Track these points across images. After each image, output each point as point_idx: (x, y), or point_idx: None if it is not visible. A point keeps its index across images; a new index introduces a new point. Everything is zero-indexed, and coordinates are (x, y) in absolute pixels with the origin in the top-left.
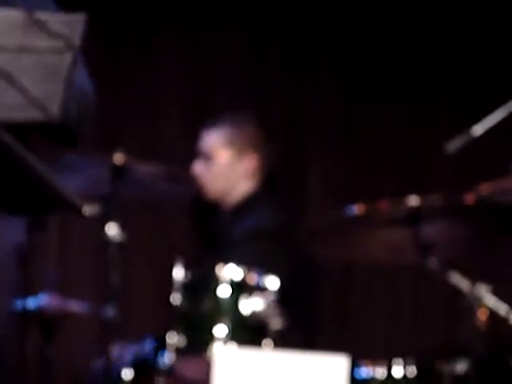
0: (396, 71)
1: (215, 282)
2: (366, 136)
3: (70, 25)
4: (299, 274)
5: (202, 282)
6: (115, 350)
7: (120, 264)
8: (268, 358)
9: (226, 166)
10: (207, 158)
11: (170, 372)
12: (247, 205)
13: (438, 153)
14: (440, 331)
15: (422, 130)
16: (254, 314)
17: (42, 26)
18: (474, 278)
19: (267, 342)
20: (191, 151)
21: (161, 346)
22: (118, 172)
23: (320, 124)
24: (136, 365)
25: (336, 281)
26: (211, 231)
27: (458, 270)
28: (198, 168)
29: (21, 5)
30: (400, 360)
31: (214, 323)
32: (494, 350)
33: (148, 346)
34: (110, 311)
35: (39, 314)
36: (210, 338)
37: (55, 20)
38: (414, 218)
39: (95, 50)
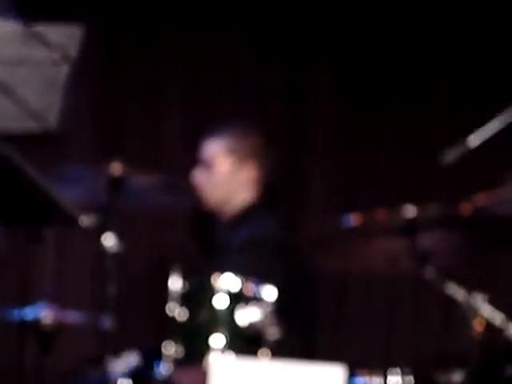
0: (396, 82)
1: (212, 292)
2: (364, 146)
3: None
4: (297, 283)
5: (199, 292)
6: (112, 361)
7: (117, 275)
8: (265, 368)
9: (226, 175)
10: (207, 166)
11: (167, 382)
12: (246, 214)
13: (435, 163)
14: (437, 341)
15: (418, 141)
16: (250, 324)
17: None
18: (471, 287)
19: (264, 352)
20: (191, 160)
21: (158, 356)
22: (116, 182)
23: (320, 134)
24: (133, 375)
25: (333, 290)
26: (210, 240)
27: (455, 279)
28: (198, 176)
29: None
30: (397, 370)
31: (211, 333)
32: (490, 360)
33: (145, 356)
34: (107, 322)
35: (36, 324)
36: (207, 348)
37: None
38: (411, 227)
39: (95, 58)
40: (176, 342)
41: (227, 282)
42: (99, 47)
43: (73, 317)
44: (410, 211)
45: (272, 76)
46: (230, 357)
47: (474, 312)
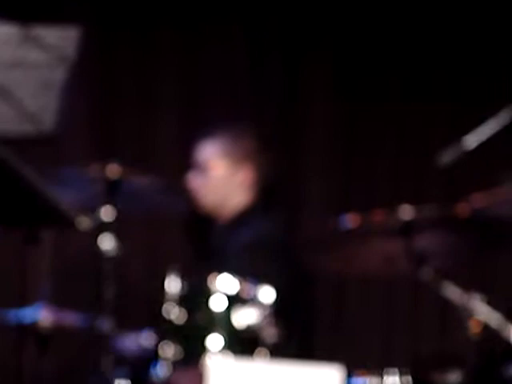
0: (393, 83)
1: (210, 293)
2: (361, 147)
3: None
4: (295, 285)
5: (197, 294)
6: (110, 363)
7: (114, 276)
8: (263, 369)
9: (221, 178)
10: (203, 169)
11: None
12: (243, 217)
13: (432, 164)
14: (434, 341)
15: (415, 142)
16: (248, 326)
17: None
18: (468, 288)
19: (262, 353)
20: (187, 162)
21: (155, 357)
22: (112, 184)
23: (317, 135)
24: (131, 377)
25: (331, 291)
26: (207, 243)
27: (452, 280)
28: (194, 180)
29: None
30: (394, 370)
31: (209, 335)
32: (487, 361)
33: (142, 357)
34: (105, 324)
35: (34, 326)
36: (204, 350)
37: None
38: (408, 228)
39: (91, 60)
40: (174, 344)
41: (224, 284)
42: (95, 49)
43: (70, 319)
44: (407, 212)
45: (268, 78)
46: (228, 358)
47: (471, 313)
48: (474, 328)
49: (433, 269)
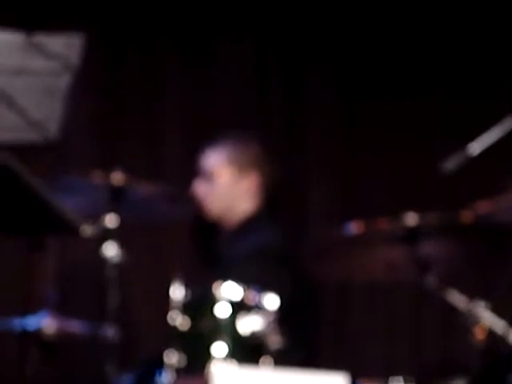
0: (397, 91)
1: (214, 301)
2: (365, 154)
3: (68, 46)
4: (299, 292)
5: (201, 301)
6: (114, 371)
7: (119, 284)
8: (267, 377)
9: (226, 186)
10: (208, 177)
11: None
12: (248, 224)
13: (436, 171)
14: (438, 349)
15: (419, 149)
16: (252, 333)
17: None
18: (472, 295)
19: (266, 361)
20: (193, 170)
21: (160, 365)
22: (117, 192)
23: (321, 143)
24: None
25: (334, 299)
26: (212, 250)
27: (456, 287)
28: (199, 187)
29: None
30: (399, 378)
31: (213, 342)
32: (491, 368)
33: (147, 365)
34: (109, 331)
35: (38, 334)
36: (208, 357)
37: (53, 41)
38: (412, 235)
39: (96, 67)
40: (178, 351)
41: (229, 291)
42: (99, 56)
43: (75, 326)
44: (411, 219)
45: (273, 86)
46: (232, 366)
47: (476, 320)
48: (478, 335)
49: (437, 276)
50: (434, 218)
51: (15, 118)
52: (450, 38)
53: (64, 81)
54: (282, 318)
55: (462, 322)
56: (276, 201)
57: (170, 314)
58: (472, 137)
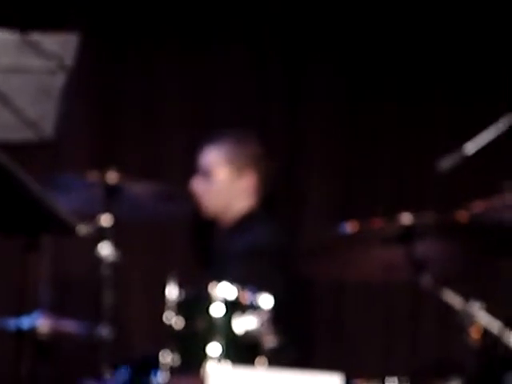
0: (394, 91)
1: (209, 300)
2: (361, 154)
3: (63, 44)
4: (294, 292)
5: (196, 301)
6: (109, 370)
7: (114, 284)
8: (262, 377)
9: (224, 184)
10: (206, 175)
11: None
12: (245, 222)
13: (431, 171)
14: (434, 349)
15: (415, 149)
16: (247, 333)
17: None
18: (467, 295)
19: (261, 361)
20: (190, 168)
21: (155, 365)
22: (112, 191)
23: (318, 142)
24: None
25: (330, 298)
26: (208, 248)
27: (451, 287)
28: (197, 185)
29: None
30: (394, 378)
31: (208, 342)
32: (487, 368)
33: (142, 365)
34: (104, 331)
35: (33, 333)
36: (203, 357)
37: (48, 40)
38: (408, 235)
39: (92, 65)
40: (173, 351)
41: (224, 291)
42: (96, 54)
43: (69, 326)
44: (407, 219)
45: (271, 85)
46: (227, 365)
47: (471, 320)
48: (473, 335)
49: (432, 276)
50: (429, 217)
51: (10, 117)
52: (449, 38)
53: (59, 80)
54: (276, 317)
55: (457, 322)
56: (273, 199)
57: (165, 313)
58: (469, 137)
